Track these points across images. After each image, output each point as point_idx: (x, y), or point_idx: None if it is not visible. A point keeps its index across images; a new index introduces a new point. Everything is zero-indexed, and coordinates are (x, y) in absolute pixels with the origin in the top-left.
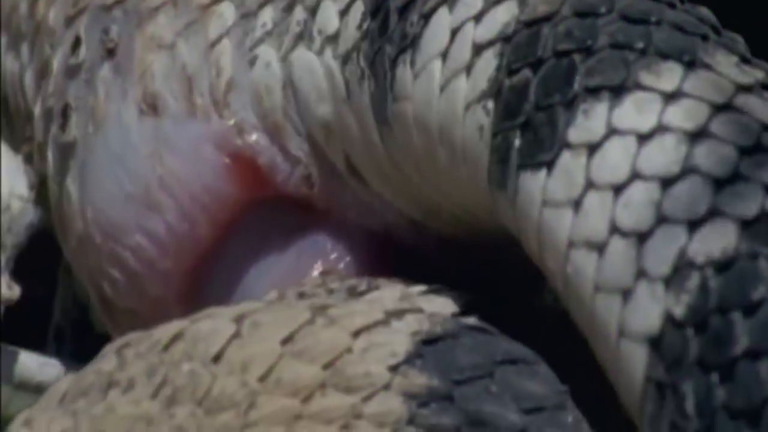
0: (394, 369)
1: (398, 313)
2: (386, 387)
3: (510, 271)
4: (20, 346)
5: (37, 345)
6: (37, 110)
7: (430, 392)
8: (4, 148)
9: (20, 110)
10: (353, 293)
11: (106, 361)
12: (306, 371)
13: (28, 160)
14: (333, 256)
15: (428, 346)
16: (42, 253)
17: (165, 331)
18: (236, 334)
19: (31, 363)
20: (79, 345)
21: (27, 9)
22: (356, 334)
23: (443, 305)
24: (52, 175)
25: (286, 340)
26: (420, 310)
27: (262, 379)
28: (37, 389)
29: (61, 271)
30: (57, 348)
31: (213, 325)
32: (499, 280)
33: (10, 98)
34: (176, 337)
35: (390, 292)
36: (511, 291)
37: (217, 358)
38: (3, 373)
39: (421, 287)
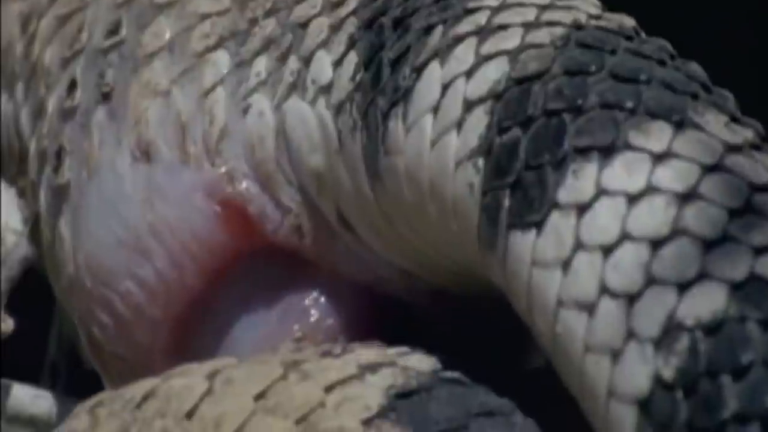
0: (367, 423)
1: (372, 368)
2: None
3: (503, 324)
4: (13, 379)
5: (31, 378)
6: (32, 149)
7: None
8: None
9: (15, 148)
10: (327, 355)
11: (78, 420)
12: (279, 427)
13: (23, 194)
14: (315, 317)
15: (402, 400)
16: (36, 287)
17: (138, 388)
18: (209, 391)
19: (23, 395)
20: (74, 379)
21: (22, 49)
22: (329, 388)
23: (419, 361)
24: (45, 217)
25: (259, 396)
26: (394, 364)
27: None
28: (30, 422)
29: (58, 304)
30: (52, 382)
31: (186, 382)
32: (491, 334)
33: (3, 137)
34: (149, 395)
35: (366, 351)
36: (504, 345)
37: (190, 415)
38: None
39: (399, 348)
